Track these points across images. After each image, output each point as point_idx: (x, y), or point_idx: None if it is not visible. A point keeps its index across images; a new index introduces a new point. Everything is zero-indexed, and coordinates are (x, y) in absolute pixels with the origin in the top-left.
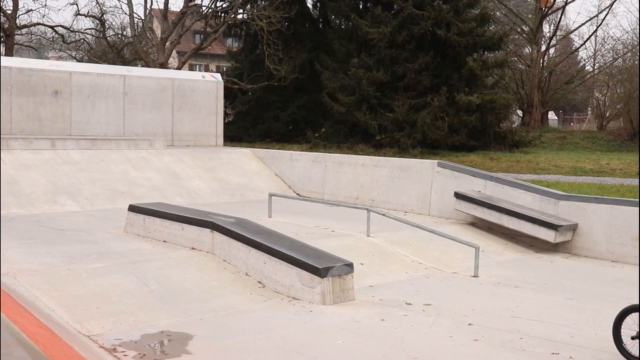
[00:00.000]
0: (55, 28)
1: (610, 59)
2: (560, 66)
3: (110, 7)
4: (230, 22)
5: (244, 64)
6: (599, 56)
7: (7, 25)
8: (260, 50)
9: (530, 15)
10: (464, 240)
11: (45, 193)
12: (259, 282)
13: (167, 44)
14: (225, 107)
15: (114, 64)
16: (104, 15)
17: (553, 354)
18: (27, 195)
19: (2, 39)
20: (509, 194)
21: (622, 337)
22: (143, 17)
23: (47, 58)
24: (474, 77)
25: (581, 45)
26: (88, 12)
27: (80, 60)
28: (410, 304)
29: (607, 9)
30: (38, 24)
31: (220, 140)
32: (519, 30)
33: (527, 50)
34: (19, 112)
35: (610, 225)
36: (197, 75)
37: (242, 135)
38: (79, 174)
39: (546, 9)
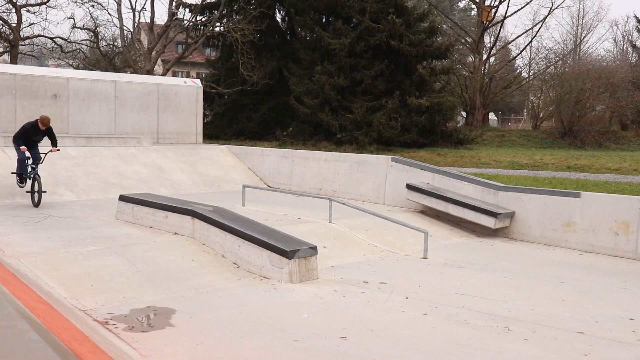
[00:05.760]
0: (54, 39)
1: (544, 67)
2: (499, 73)
3: (103, 20)
4: (208, 34)
5: (220, 70)
6: (533, 64)
7: (12, 37)
8: (235, 58)
9: (473, 28)
10: (414, 226)
11: (45, 185)
12: (234, 263)
13: (153, 53)
14: (204, 108)
15: (106, 71)
16: (98, 28)
17: (493, 326)
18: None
19: (7, 49)
20: (454, 185)
21: None
22: (132, 30)
23: (47, 66)
24: (423, 83)
25: (518, 55)
26: (83, 25)
27: (77, 68)
28: (367, 282)
29: (541, 23)
30: (39, 35)
31: (200, 138)
32: (463, 41)
33: (470, 58)
34: (22, 113)
35: (543, 213)
36: (179, 80)
37: (219, 133)
38: (75, 168)
39: (487, 22)
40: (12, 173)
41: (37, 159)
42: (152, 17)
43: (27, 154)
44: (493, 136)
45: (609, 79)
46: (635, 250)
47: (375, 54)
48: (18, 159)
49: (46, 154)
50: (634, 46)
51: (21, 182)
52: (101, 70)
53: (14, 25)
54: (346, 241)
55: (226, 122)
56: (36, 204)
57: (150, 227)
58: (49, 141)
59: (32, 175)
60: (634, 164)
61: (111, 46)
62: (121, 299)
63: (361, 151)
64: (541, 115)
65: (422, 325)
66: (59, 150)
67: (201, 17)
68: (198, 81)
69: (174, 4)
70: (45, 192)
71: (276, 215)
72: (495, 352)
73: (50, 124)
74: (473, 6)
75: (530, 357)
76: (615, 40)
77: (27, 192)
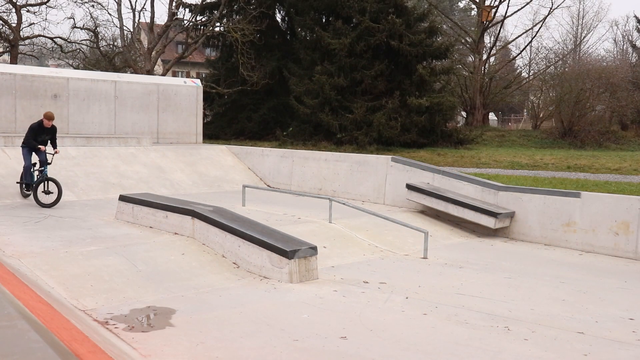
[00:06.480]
0: (54, 39)
1: (544, 67)
2: (499, 73)
3: (103, 20)
4: (208, 34)
5: (220, 70)
6: (533, 64)
7: (12, 37)
8: (235, 58)
9: (473, 28)
10: (414, 226)
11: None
12: (234, 263)
13: (153, 53)
14: (204, 108)
15: (106, 71)
16: (98, 28)
17: (493, 326)
18: None
19: (7, 49)
20: (455, 185)
21: None
22: (132, 30)
23: (47, 66)
24: (423, 83)
25: (518, 55)
26: (83, 25)
27: (77, 68)
28: (367, 282)
29: (541, 23)
30: (39, 35)
31: (200, 138)
32: (463, 41)
33: (470, 58)
34: (22, 113)
35: (543, 213)
36: (179, 80)
37: (219, 133)
38: (75, 168)
39: (487, 22)
40: (17, 182)
41: (44, 161)
42: (152, 17)
43: (35, 158)
44: (493, 136)
45: (609, 79)
46: (635, 250)
47: (375, 54)
48: (24, 167)
49: (52, 154)
50: (634, 46)
51: (27, 190)
52: (101, 70)
53: (14, 25)
54: (346, 241)
55: (226, 122)
56: (52, 204)
57: (150, 227)
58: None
59: (42, 178)
60: (634, 164)
61: (111, 46)
62: (121, 299)
63: (361, 151)
64: (541, 115)
65: (422, 325)
66: (58, 152)
67: (201, 17)
68: (198, 81)
69: (174, 4)
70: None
71: (276, 215)
72: (495, 352)
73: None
74: (473, 6)
75: (530, 357)
76: (615, 40)
77: (42, 192)
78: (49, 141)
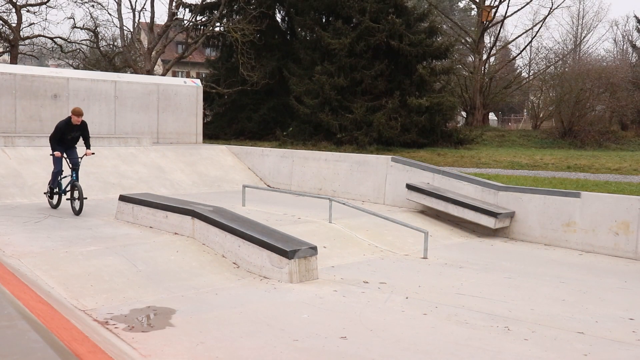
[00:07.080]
0: (54, 39)
1: (544, 67)
2: (499, 73)
3: (103, 20)
4: (208, 34)
5: (220, 70)
6: (533, 64)
7: (12, 37)
8: (235, 58)
9: (473, 28)
10: (414, 226)
11: (45, 184)
12: (234, 263)
13: (153, 53)
14: (204, 108)
15: (106, 71)
16: (98, 28)
17: (493, 326)
18: (30, 187)
19: (7, 49)
20: (455, 185)
21: None
22: (132, 30)
23: (47, 66)
24: (423, 83)
25: (518, 55)
26: (83, 25)
27: (77, 68)
28: (367, 282)
29: (541, 23)
30: (39, 35)
31: (200, 138)
32: (463, 41)
33: (470, 58)
34: (22, 113)
35: (543, 213)
36: (179, 80)
37: (219, 133)
38: None
39: (487, 23)
40: (45, 193)
41: (75, 164)
42: (152, 17)
43: (63, 164)
44: (493, 136)
45: (609, 79)
46: (635, 250)
47: (375, 54)
48: (53, 172)
49: (81, 158)
50: (634, 46)
51: (51, 198)
52: (101, 70)
53: (14, 25)
54: (346, 241)
55: (226, 122)
56: (77, 212)
57: (150, 227)
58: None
59: (70, 183)
60: (634, 164)
61: (111, 46)
62: (121, 299)
63: (361, 151)
64: (541, 115)
65: (422, 325)
66: (93, 153)
67: (201, 17)
68: (198, 81)
69: (174, 4)
70: (86, 198)
71: (276, 215)
72: (495, 352)
73: (50, 124)
74: (473, 6)
75: (530, 357)
76: (615, 40)
77: (67, 199)
78: (78, 141)
